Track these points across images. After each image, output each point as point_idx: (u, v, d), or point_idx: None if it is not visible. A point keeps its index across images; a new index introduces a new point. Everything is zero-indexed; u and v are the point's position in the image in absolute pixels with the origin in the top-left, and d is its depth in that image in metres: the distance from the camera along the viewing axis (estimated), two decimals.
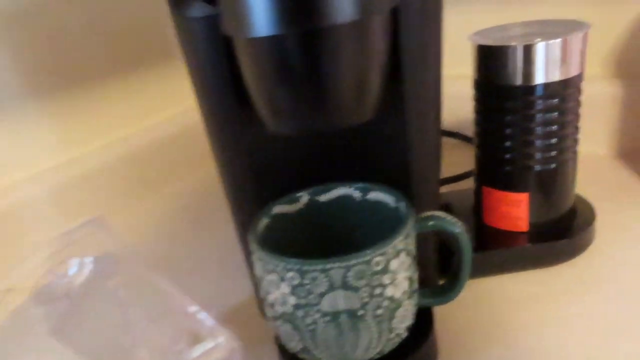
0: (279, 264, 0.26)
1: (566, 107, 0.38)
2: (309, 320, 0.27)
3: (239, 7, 0.24)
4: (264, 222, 0.31)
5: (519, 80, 0.37)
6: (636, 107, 0.54)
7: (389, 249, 0.26)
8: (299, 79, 0.25)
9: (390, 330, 0.28)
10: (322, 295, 0.26)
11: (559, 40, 0.36)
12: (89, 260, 0.25)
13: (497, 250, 0.40)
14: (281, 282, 0.27)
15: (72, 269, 0.25)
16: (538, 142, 0.39)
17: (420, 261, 0.32)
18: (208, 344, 0.23)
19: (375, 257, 0.26)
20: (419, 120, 0.31)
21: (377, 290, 0.26)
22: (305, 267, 0.25)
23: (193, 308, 0.24)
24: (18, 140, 0.54)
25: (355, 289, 0.26)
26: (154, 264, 0.51)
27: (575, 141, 0.40)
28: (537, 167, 0.39)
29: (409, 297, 0.28)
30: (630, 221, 0.45)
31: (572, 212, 0.43)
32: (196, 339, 0.23)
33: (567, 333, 0.34)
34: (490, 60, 0.38)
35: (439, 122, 0.34)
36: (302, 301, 0.26)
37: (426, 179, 0.34)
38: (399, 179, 0.33)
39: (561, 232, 0.41)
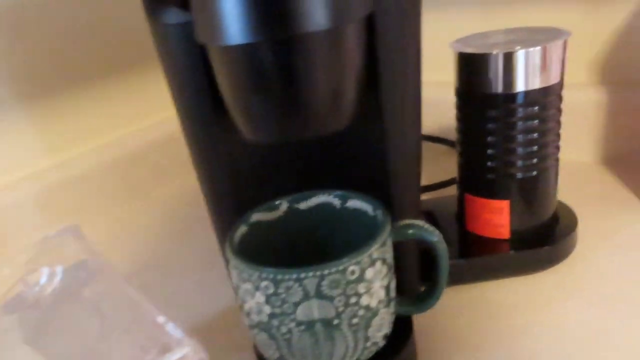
0: (253, 273, 0.26)
1: (547, 115, 0.38)
2: (284, 329, 0.27)
3: (212, 14, 0.24)
4: (242, 229, 0.31)
5: (499, 88, 0.37)
6: (620, 114, 0.55)
7: (364, 257, 0.26)
8: (273, 87, 0.25)
9: (367, 339, 0.28)
10: (296, 304, 0.26)
11: (538, 48, 0.36)
12: (59, 270, 0.25)
13: (480, 258, 0.40)
14: (256, 291, 0.26)
15: (43, 278, 0.25)
16: (519, 150, 0.39)
17: (402, 269, 0.32)
18: (175, 355, 0.22)
19: (350, 266, 0.26)
20: (398, 127, 0.31)
21: (353, 299, 0.26)
22: (279, 277, 0.25)
23: (161, 318, 0.24)
24: (0, 145, 0.53)
25: (330, 298, 0.26)
26: (137, 269, 0.50)
27: (557, 149, 0.40)
28: (519, 175, 0.39)
29: (386, 306, 0.28)
30: (613, 228, 0.45)
31: (554, 219, 0.43)
32: (165, 348, 0.23)
33: (549, 340, 0.34)
34: (471, 67, 0.38)
35: (419, 128, 0.34)
36: (277, 310, 0.26)
37: (406, 186, 0.34)
38: (379, 186, 0.32)
39: (543, 239, 0.41)
